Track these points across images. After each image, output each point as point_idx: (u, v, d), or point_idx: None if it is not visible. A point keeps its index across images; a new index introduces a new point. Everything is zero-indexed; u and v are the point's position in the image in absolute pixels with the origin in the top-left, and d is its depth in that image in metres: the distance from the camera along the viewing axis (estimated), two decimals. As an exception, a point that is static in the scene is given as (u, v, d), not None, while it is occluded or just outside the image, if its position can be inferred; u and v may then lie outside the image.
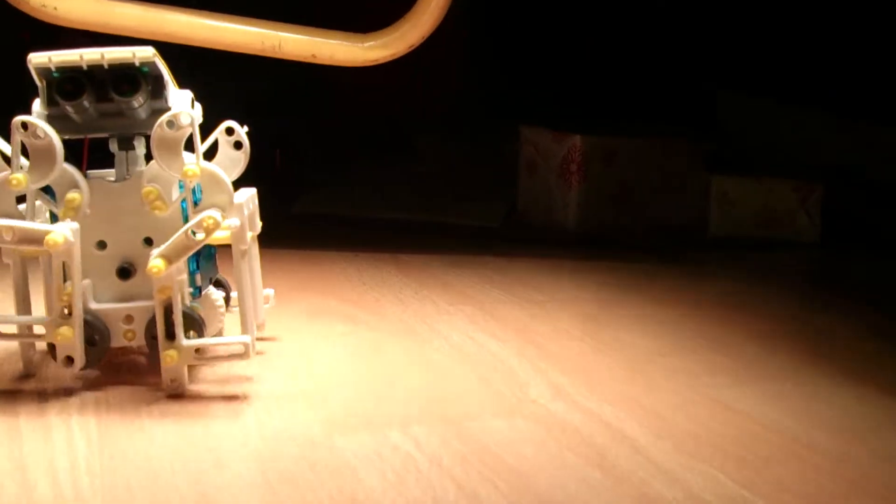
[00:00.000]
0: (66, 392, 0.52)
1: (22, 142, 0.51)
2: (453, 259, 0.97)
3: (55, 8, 0.74)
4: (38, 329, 0.53)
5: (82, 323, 0.52)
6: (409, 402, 0.54)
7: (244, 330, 0.54)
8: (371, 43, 0.80)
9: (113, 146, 0.55)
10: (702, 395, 0.58)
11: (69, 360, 0.52)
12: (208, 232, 0.51)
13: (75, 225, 0.52)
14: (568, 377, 0.60)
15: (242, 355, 0.53)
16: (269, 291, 0.64)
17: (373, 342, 0.66)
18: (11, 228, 0.50)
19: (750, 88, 1.45)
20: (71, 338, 0.51)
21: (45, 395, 0.51)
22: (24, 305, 0.54)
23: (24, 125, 0.51)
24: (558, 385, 0.58)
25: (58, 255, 0.51)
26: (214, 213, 0.51)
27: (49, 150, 0.51)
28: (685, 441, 0.50)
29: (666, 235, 1.21)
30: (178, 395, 0.53)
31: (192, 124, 0.52)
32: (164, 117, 0.52)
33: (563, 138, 1.24)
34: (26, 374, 0.55)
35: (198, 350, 0.52)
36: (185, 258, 0.52)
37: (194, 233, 0.51)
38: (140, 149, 0.56)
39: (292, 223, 1.09)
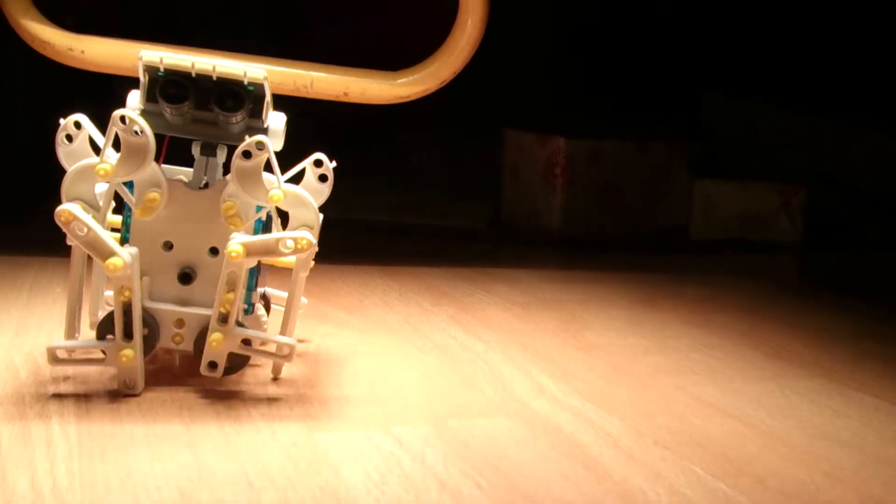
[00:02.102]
0: (45, 393, 0.52)
1: (116, 134, 0.51)
2: (438, 261, 0.97)
3: (82, 52, 0.73)
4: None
5: (142, 347, 0.52)
6: (393, 402, 0.54)
7: (279, 348, 0.55)
8: (403, 80, 0.80)
9: (195, 150, 0.55)
10: (684, 393, 0.58)
11: (129, 384, 0.52)
12: (297, 251, 0.51)
13: (134, 250, 0.52)
14: (551, 376, 0.60)
15: (285, 357, 0.53)
16: (304, 301, 0.64)
17: (356, 343, 0.66)
18: (89, 228, 0.50)
19: (734, 90, 1.46)
20: (134, 360, 0.51)
21: (23, 397, 0.51)
22: (75, 303, 0.54)
23: (123, 119, 0.51)
24: (541, 384, 0.59)
25: (115, 278, 0.50)
26: (310, 236, 0.52)
27: (143, 148, 0.51)
28: (667, 438, 0.50)
29: (650, 237, 1.22)
30: (214, 379, 0.53)
31: (266, 150, 0.52)
32: (239, 149, 0.52)
33: (546, 141, 1.24)
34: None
35: (245, 341, 0.53)
36: (261, 258, 0.52)
37: (279, 243, 0.51)
38: (220, 157, 0.56)
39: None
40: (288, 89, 0.80)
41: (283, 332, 0.55)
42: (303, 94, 0.79)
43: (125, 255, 0.50)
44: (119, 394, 0.52)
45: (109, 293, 0.57)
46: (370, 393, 0.55)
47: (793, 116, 1.39)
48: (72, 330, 0.54)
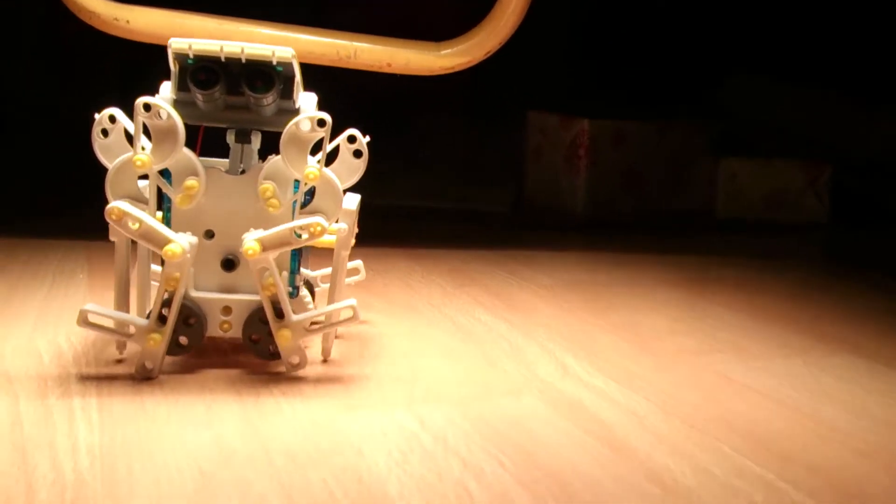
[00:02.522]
0: (67, 375, 0.52)
1: (144, 124, 0.51)
2: (461, 244, 0.97)
3: (127, 21, 0.74)
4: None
5: (170, 335, 0.52)
6: (415, 382, 0.53)
7: (325, 337, 0.56)
8: (447, 50, 0.80)
9: (230, 138, 0.55)
10: (710, 371, 0.57)
11: (147, 369, 0.52)
12: (312, 236, 0.52)
13: (194, 239, 0.52)
14: (575, 356, 0.60)
15: (352, 318, 0.53)
16: (358, 263, 0.64)
17: (378, 324, 0.66)
18: (140, 220, 0.50)
19: (758, 69, 1.44)
20: (158, 347, 0.52)
21: (45, 378, 0.51)
22: (123, 289, 0.54)
23: (147, 106, 0.51)
24: (566, 364, 0.58)
25: (175, 266, 0.51)
26: (322, 220, 0.52)
27: (171, 130, 0.51)
28: (692, 416, 0.49)
29: (674, 218, 1.20)
30: (300, 372, 0.54)
31: (326, 128, 0.52)
32: (304, 116, 0.52)
33: (570, 123, 1.23)
34: (119, 359, 0.55)
35: (311, 323, 0.53)
36: (278, 251, 0.52)
37: (298, 234, 0.52)
38: (255, 143, 0.56)
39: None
40: (331, 60, 0.80)
41: (327, 314, 0.54)
42: (346, 64, 0.79)
43: (182, 241, 0.51)
44: (140, 377, 0.52)
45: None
46: (393, 373, 0.55)
47: (817, 94, 1.37)
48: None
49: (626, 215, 1.20)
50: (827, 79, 1.36)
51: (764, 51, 1.43)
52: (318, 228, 0.51)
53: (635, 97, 1.43)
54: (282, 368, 0.54)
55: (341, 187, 0.54)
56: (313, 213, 0.53)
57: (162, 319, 0.52)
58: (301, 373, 0.54)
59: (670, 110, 1.30)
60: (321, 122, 0.52)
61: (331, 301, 0.56)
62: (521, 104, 1.31)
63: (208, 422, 0.46)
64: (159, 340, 0.52)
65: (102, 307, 0.52)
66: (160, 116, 0.51)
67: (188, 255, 0.51)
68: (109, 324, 0.53)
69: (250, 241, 0.51)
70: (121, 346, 0.55)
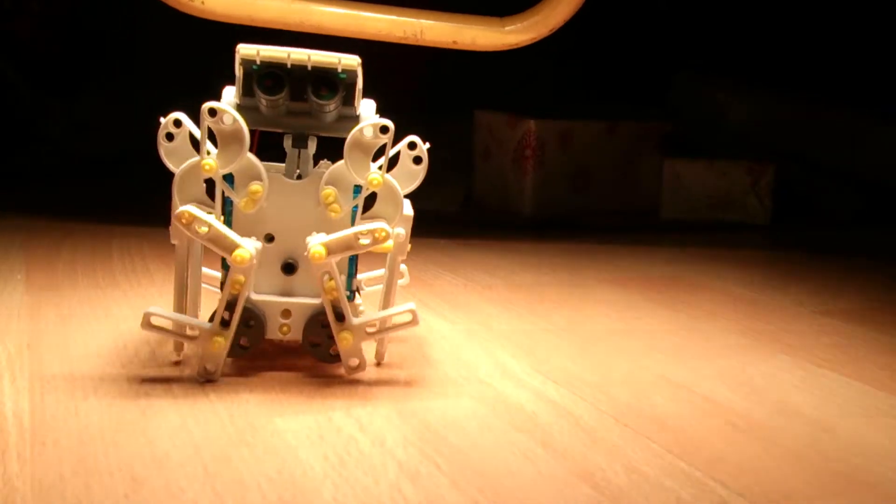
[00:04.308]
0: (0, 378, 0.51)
1: (210, 128, 0.51)
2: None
3: (202, 2, 0.73)
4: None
5: (232, 338, 0.52)
6: (354, 384, 0.54)
7: (379, 341, 0.56)
8: (512, 27, 0.79)
9: (287, 143, 0.55)
10: (646, 371, 0.58)
11: (209, 371, 0.52)
12: (375, 242, 0.52)
13: (259, 244, 0.53)
14: (516, 357, 0.60)
15: (411, 322, 0.54)
16: (402, 267, 0.64)
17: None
18: (210, 225, 0.51)
19: (705, 69, 1.46)
20: (221, 350, 0.52)
21: (-20, 384, 0.51)
22: (182, 291, 0.55)
23: (213, 111, 0.51)
24: (505, 365, 0.58)
25: (242, 270, 0.51)
26: (386, 226, 0.52)
27: (237, 135, 0.52)
28: (627, 416, 0.50)
29: (620, 218, 1.22)
30: (360, 373, 0.54)
31: (389, 134, 0.53)
32: (368, 123, 0.52)
33: (517, 123, 1.24)
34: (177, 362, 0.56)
35: (371, 325, 0.54)
36: (342, 255, 0.52)
37: (358, 237, 0.52)
38: (312, 148, 0.56)
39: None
40: (398, 38, 0.79)
41: (382, 318, 0.55)
42: (412, 42, 0.78)
43: (249, 246, 0.51)
44: (74, 379, 0.51)
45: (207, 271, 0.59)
46: (332, 375, 0.55)
47: (761, 96, 1.40)
48: (179, 311, 0.55)
49: (574, 215, 1.21)
50: (773, 80, 1.38)
51: (711, 52, 1.45)
52: (383, 233, 0.52)
53: (583, 97, 1.44)
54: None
55: (402, 195, 0.55)
56: (374, 218, 0.54)
57: (224, 323, 0.52)
58: (238, 376, 0.53)
59: (618, 111, 1.31)
60: (384, 129, 0.53)
61: (385, 304, 0.56)
62: (469, 104, 1.32)
63: (143, 427, 0.46)
64: (223, 343, 0.52)
65: (165, 310, 0.53)
66: (225, 122, 0.51)
67: (254, 261, 0.51)
68: (171, 326, 0.53)
69: (316, 244, 0.51)
70: (179, 348, 0.56)
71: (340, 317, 0.53)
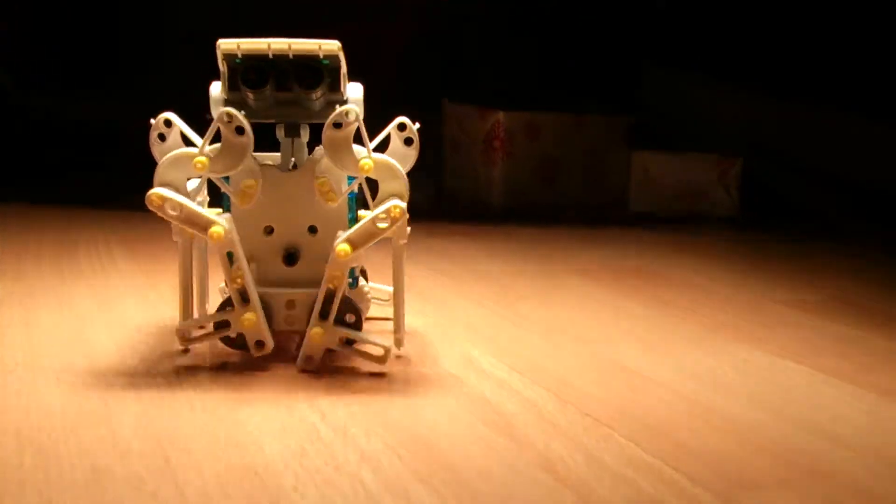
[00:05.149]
0: (-38, 370, 0.51)
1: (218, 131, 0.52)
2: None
3: None
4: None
5: (260, 305, 0.52)
6: (318, 376, 0.53)
7: (396, 327, 0.56)
8: None
9: (279, 133, 0.55)
10: (611, 362, 0.59)
11: (259, 345, 0.53)
12: (394, 221, 0.52)
13: (228, 215, 0.53)
14: (480, 348, 0.60)
15: (379, 359, 0.54)
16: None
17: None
18: (181, 205, 0.51)
19: (673, 62, 1.47)
20: (256, 322, 0.52)
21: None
22: (188, 289, 0.55)
23: (230, 117, 0.51)
24: (471, 356, 0.59)
25: (220, 245, 0.51)
26: (399, 202, 0.52)
27: (243, 148, 0.52)
28: (591, 407, 0.50)
29: (589, 210, 1.22)
30: (311, 372, 0.54)
31: (356, 119, 0.52)
32: (330, 119, 0.52)
33: (486, 114, 1.24)
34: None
35: (344, 339, 0.53)
36: (367, 245, 0.52)
37: (375, 223, 0.52)
38: (305, 136, 0.56)
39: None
40: None
41: (395, 299, 0.56)
42: None
43: (223, 221, 0.51)
44: (39, 370, 0.51)
45: (222, 285, 0.59)
46: (294, 367, 0.55)
47: (732, 89, 1.41)
48: (187, 312, 0.55)
49: (542, 207, 1.22)
50: (741, 74, 1.39)
51: (680, 45, 1.46)
52: (397, 210, 0.52)
53: (551, 89, 1.44)
54: (182, 361, 0.54)
55: (401, 167, 0.54)
56: (385, 200, 0.53)
57: (244, 299, 0.52)
58: (201, 367, 0.53)
59: (586, 103, 1.32)
60: (348, 115, 0.52)
61: (396, 296, 0.56)
62: (438, 95, 1.32)
63: (105, 417, 0.45)
64: (254, 317, 0.52)
65: (190, 321, 0.53)
66: (236, 131, 0.51)
67: (231, 235, 0.51)
68: (204, 329, 0.54)
69: (342, 243, 0.52)
70: (184, 338, 0.55)
71: (325, 314, 0.53)
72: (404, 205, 0.52)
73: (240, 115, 0.51)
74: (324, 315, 0.53)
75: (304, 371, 0.54)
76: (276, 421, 0.46)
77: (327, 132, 0.52)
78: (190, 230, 0.51)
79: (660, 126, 1.36)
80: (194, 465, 0.41)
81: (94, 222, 0.95)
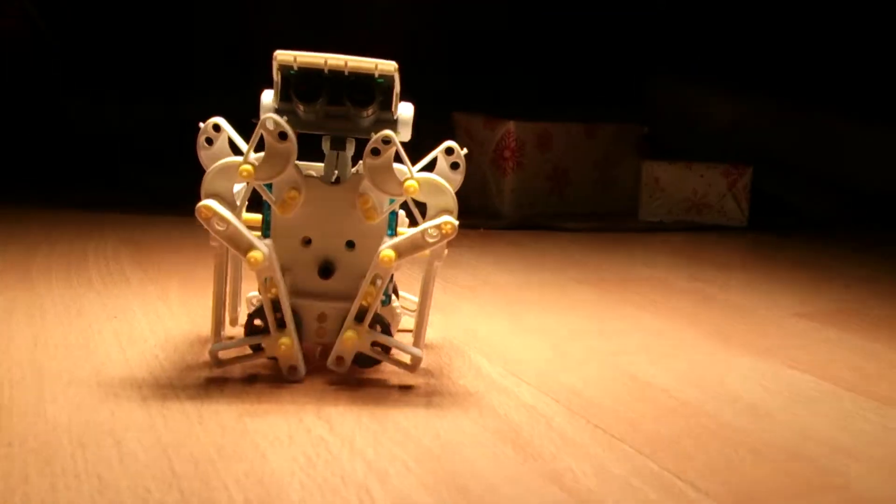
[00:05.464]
0: (-30, 381, 0.51)
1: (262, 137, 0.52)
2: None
3: None
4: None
5: (295, 331, 0.53)
6: (326, 386, 0.53)
7: (416, 341, 0.55)
8: None
9: (325, 145, 0.56)
10: (620, 372, 0.58)
11: (293, 370, 0.53)
12: (444, 236, 0.52)
13: (269, 242, 0.53)
14: (489, 358, 0.60)
15: (409, 367, 0.54)
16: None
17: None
18: (228, 222, 0.51)
19: (684, 72, 1.47)
20: (292, 347, 0.52)
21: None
22: (221, 297, 0.54)
23: (273, 124, 0.51)
24: (479, 366, 0.58)
25: (259, 271, 0.51)
26: (451, 218, 0.52)
27: (287, 154, 0.52)
28: (598, 416, 0.50)
29: (599, 220, 1.22)
30: (340, 374, 0.54)
31: (393, 144, 0.52)
32: (368, 147, 0.52)
33: (496, 125, 1.24)
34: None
35: (375, 344, 0.54)
36: (411, 255, 0.52)
37: (424, 234, 0.52)
38: (350, 150, 0.56)
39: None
40: None
41: (417, 321, 0.55)
42: None
43: (263, 247, 0.51)
44: (44, 379, 0.51)
45: (253, 293, 0.59)
46: (305, 377, 0.55)
47: (739, 99, 1.40)
48: (218, 328, 0.54)
49: (552, 216, 1.22)
50: (751, 84, 1.39)
51: (690, 55, 1.46)
52: (449, 226, 0.52)
53: (562, 99, 1.44)
54: (188, 372, 0.53)
55: (446, 182, 0.54)
56: (436, 215, 0.53)
57: (280, 324, 0.52)
58: (209, 377, 0.53)
59: (597, 113, 1.31)
60: (386, 140, 0.52)
61: (420, 310, 0.55)
62: (447, 106, 1.32)
63: (111, 428, 0.45)
64: (290, 342, 0.52)
65: (224, 342, 0.53)
66: (280, 138, 0.51)
67: (268, 262, 0.51)
68: (237, 351, 0.54)
69: (387, 248, 0.52)
70: (215, 357, 0.55)
71: (361, 318, 0.53)
72: (456, 222, 0.52)
73: (282, 121, 0.51)
74: (358, 319, 0.53)
75: (332, 371, 0.54)
76: (284, 431, 0.46)
77: (367, 160, 0.52)
78: (230, 247, 0.52)
79: (670, 136, 1.35)
80: (200, 476, 0.41)
81: (106, 230, 0.95)
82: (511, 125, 1.22)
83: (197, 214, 0.50)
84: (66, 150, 1.37)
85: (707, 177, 1.22)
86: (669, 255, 1.01)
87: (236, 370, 0.55)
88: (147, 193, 1.22)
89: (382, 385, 0.54)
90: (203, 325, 0.64)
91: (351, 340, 0.53)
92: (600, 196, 1.28)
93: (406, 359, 0.54)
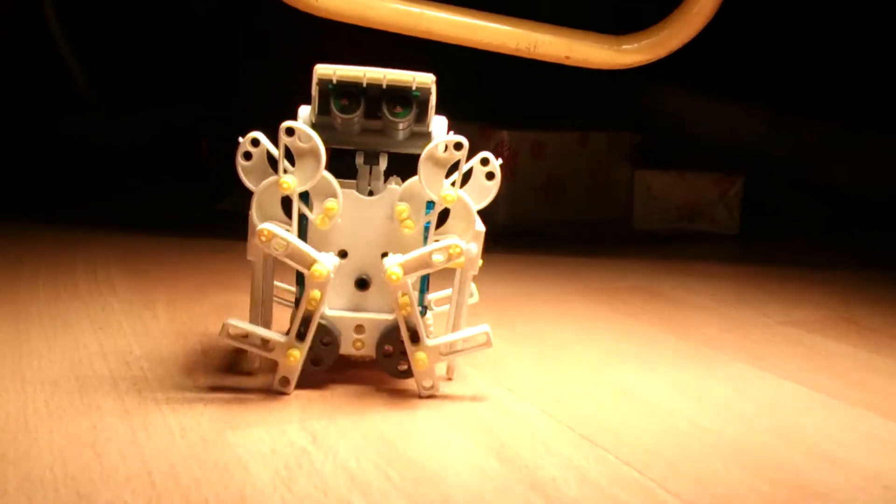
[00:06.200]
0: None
1: (287, 147, 0.52)
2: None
3: (317, 0, 0.73)
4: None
5: (308, 350, 0.53)
6: (310, 398, 0.53)
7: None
8: (628, 46, 0.79)
9: (359, 160, 0.56)
10: (606, 381, 0.58)
11: (285, 382, 0.53)
12: (449, 259, 0.52)
13: (337, 260, 0.53)
14: (475, 368, 0.60)
15: (484, 344, 0.54)
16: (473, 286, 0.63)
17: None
18: (287, 242, 0.51)
19: (676, 81, 1.47)
20: (296, 363, 0.52)
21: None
22: (258, 309, 0.55)
23: (290, 130, 0.52)
24: (465, 375, 0.58)
25: (319, 284, 0.52)
26: (460, 242, 0.53)
27: (314, 153, 0.52)
28: (583, 426, 0.50)
29: (592, 228, 1.22)
30: (432, 396, 0.54)
31: (462, 151, 0.53)
32: (444, 140, 0.53)
33: (489, 133, 1.24)
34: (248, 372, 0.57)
35: (445, 347, 0.54)
36: (418, 274, 0.53)
37: (432, 255, 0.52)
38: (383, 165, 0.56)
39: (214, 219, 1.07)
40: (509, 49, 0.79)
41: (453, 328, 0.56)
42: (524, 55, 0.78)
43: (327, 261, 0.51)
44: (28, 394, 0.51)
45: (280, 285, 0.60)
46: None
47: (731, 107, 1.40)
48: (255, 320, 0.55)
49: (545, 225, 1.21)
50: (742, 92, 1.39)
51: (681, 64, 1.46)
52: (456, 250, 0.52)
53: (555, 107, 1.44)
54: (170, 382, 0.53)
55: (475, 211, 0.54)
56: (447, 234, 0.54)
57: (300, 336, 0.52)
58: (191, 388, 0.53)
59: (590, 122, 1.31)
60: (458, 146, 0.53)
61: (455, 322, 0.56)
62: (441, 114, 1.32)
63: (92, 441, 0.45)
64: (298, 357, 0.52)
65: (242, 321, 0.53)
66: (302, 140, 0.52)
67: (331, 276, 0.51)
68: (247, 336, 0.54)
69: (393, 266, 0.52)
70: (254, 358, 0.57)
71: (415, 337, 0.53)
72: (463, 247, 0.53)
73: (298, 124, 0.52)
74: (414, 338, 0.53)
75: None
76: (266, 444, 0.46)
77: (431, 149, 0.53)
78: (292, 264, 0.52)
79: (662, 145, 1.35)
80: (181, 490, 0.40)
81: (93, 241, 0.95)
82: (505, 134, 1.22)
83: (258, 238, 0.51)
84: (56, 161, 1.37)
85: (699, 185, 1.22)
86: (661, 263, 1.01)
87: (228, 380, 0.54)
88: (138, 205, 1.21)
89: (367, 396, 0.54)
90: (189, 338, 0.63)
91: (423, 362, 0.53)
92: (594, 205, 1.28)
93: (480, 339, 0.55)
